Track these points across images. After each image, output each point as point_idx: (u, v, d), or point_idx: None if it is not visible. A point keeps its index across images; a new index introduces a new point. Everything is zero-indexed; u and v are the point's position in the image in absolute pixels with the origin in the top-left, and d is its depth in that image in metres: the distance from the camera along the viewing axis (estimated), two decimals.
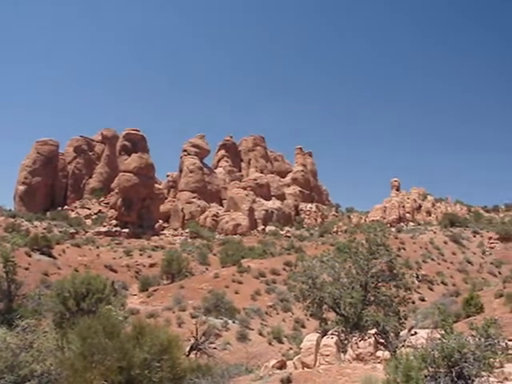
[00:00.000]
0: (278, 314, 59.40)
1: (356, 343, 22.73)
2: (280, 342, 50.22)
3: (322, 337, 23.48)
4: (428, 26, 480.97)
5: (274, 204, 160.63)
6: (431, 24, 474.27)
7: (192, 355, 35.15)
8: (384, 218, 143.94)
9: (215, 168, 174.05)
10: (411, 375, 14.96)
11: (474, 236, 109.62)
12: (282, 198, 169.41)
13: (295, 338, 49.25)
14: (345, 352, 22.74)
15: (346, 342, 23.16)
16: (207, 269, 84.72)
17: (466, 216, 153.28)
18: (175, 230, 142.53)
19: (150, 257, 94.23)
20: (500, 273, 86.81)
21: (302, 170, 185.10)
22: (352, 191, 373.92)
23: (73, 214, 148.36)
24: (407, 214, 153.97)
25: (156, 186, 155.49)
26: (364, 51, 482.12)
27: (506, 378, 17.23)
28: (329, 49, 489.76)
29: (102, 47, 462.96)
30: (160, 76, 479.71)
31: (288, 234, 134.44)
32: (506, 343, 18.52)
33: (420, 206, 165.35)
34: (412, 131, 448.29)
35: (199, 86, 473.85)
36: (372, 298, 24.69)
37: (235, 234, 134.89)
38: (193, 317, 48.89)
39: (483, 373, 16.92)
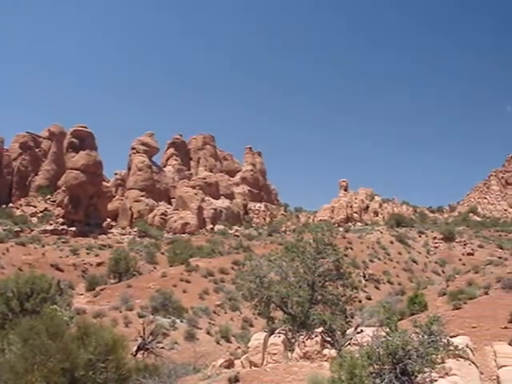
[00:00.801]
0: (226, 313, 59.35)
1: (303, 342, 22.87)
2: (228, 341, 50.20)
3: (270, 335, 23.56)
4: (363, 27, 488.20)
5: (222, 203, 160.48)
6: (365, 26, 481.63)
7: (139, 355, 34.83)
8: (332, 218, 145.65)
9: (164, 166, 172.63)
10: (355, 373, 15.17)
11: (420, 236, 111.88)
12: (230, 197, 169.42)
13: (243, 337, 49.30)
14: (292, 351, 22.87)
15: (293, 340, 23.28)
16: (155, 268, 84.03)
17: (411, 216, 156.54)
18: (123, 228, 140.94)
19: (97, 256, 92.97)
20: (443, 272, 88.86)
21: (251, 170, 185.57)
22: (301, 191, 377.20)
23: (18, 212, 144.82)
24: (355, 214, 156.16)
25: (104, 183, 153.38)
26: (309, 53, 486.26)
27: (447, 373, 17.61)
28: (278, 51, 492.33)
29: (49, 41, 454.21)
30: (109, 72, 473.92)
31: (237, 233, 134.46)
32: (448, 340, 18.98)
33: (367, 207, 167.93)
34: (361, 132, 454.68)
35: (149, 84, 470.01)
36: (319, 297, 24.89)
37: (184, 233, 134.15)
38: (140, 316, 48.39)
39: (426, 369, 17.32)
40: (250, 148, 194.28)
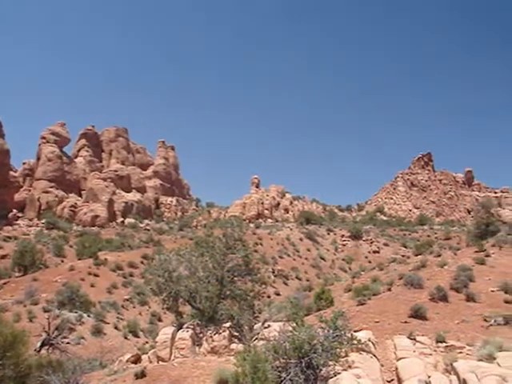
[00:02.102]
0: (134, 307, 58.66)
1: (211, 337, 23.00)
2: (136, 335, 49.68)
3: (178, 330, 23.53)
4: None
5: (134, 196, 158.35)
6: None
7: (43, 351, 33.91)
8: (243, 214, 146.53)
9: (75, 157, 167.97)
10: (259, 367, 15.38)
11: (328, 234, 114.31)
12: (142, 190, 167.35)
13: (151, 331, 48.94)
14: (200, 345, 22.94)
15: (201, 335, 23.35)
16: (63, 261, 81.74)
17: (321, 214, 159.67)
18: (30, 220, 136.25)
19: (1, 248, 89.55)
20: (350, 268, 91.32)
21: (164, 164, 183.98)
22: (213, 187, 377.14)
23: None
24: (266, 211, 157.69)
25: (11, 173, 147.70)
26: (221, 46, 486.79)
27: (350, 366, 18.21)
28: (193, 44, 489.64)
29: None
30: (20, 57, 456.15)
31: (147, 227, 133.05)
32: (352, 334, 19.61)
33: (278, 204, 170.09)
34: (274, 130, 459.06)
35: (62, 72, 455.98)
36: (228, 292, 25.07)
37: (93, 226, 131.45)
38: (45, 311, 46.99)
39: (330, 362, 17.84)
40: (163, 142, 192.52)
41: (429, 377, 18.80)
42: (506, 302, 33.62)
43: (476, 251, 47.95)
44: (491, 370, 17.71)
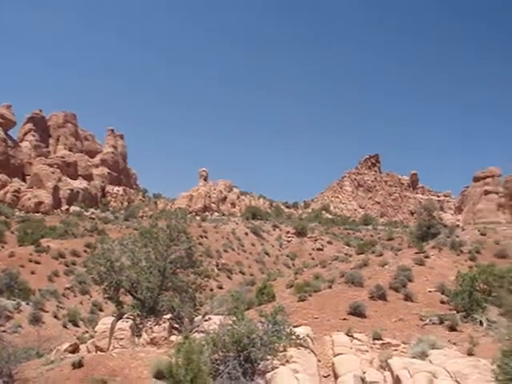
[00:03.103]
0: (75, 296, 57.93)
1: (151, 328, 22.94)
2: (76, 325, 49.04)
3: (118, 320, 23.37)
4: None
5: (80, 184, 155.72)
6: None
7: None
8: (190, 207, 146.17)
9: (20, 141, 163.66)
10: (192, 358, 15.43)
11: (274, 229, 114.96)
12: (89, 178, 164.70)
13: (92, 321, 48.38)
14: (139, 336, 22.85)
15: (141, 326, 23.26)
16: (3, 247, 79.85)
17: (267, 210, 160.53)
18: None
19: None
20: (294, 265, 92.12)
21: (112, 152, 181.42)
22: (161, 178, 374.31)
23: None
24: (213, 204, 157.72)
25: None
26: (167, 30, 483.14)
27: (288, 361, 18.45)
28: (143, 27, 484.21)
29: None
30: None
31: (92, 216, 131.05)
32: (291, 329, 19.89)
33: (226, 198, 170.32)
34: (224, 124, 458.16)
35: (9, 53, 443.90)
36: (169, 284, 25.01)
37: (37, 212, 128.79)
38: None
39: (268, 356, 18.07)
40: (112, 130, 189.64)
41: (364, 373, 19.24)
42: (442, 302, 34.61)
43: (416, 252, 49.04)
44: (423, 367, 18.26)
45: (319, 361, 20.98)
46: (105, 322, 23.44)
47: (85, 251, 74.08)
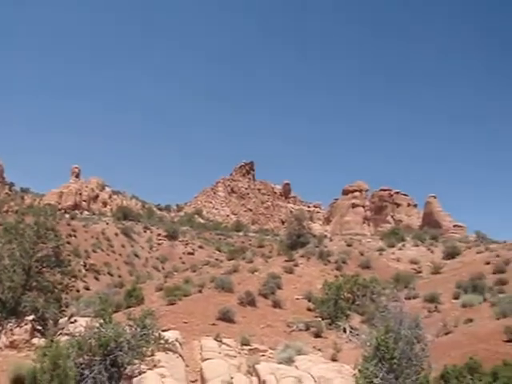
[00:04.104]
0: None
1: (11, 330, 21.75)
2: None
3: None
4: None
5: None
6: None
7: None
8: (59, 204, 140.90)
9: None
10: (59, 363, 14.75)
11: (145, 231, 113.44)
12: None
13: None
14: None
15: (0, 328, 21.98)
16: None
17: (139, 211, 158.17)
18: None
19: None
20: (163, 268, 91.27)
21: None
22: (31, 171, 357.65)
23: None
24: (83, 203, 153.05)
25: None
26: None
27: (155, 366, 18.16)
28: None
29: None
30: None
31: None
32: (159, 333, 19.58)
33: (97, 196, 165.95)
34: (97, 120, 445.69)
35: None
36: (34, 283, 23.74)
37: None
38: None
39: (136, 361, 17.64)
40: None
41: (232, 378, 19.30)
42: (309, 309, 35.65)
43: (286, 260, 50.23)
44: (289, 373, 18.61)
45: (187, 365, 20.84)
46: None
47: None
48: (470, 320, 28.71)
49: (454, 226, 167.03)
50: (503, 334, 22.59)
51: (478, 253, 60.47)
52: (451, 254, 63.07)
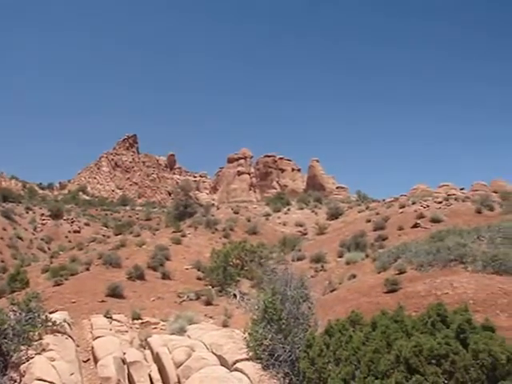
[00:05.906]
0: None
1: None
2: None
3: None
4: None
5: None
6: None
7: None
8: None
9: None
10: None
11: (27, 212, 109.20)
12: None
13: None
14: None
15: None
16: None
17: (20, 192, 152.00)
18: None
19: None
20: (49, 248, 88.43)
21: None
22: None
23: None
24: None
25: None
26: None
27: (44, 349, 17.77)
28: None
29: None
30: None
31: None
32: (46, 316, 19.15)
33: None
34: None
35: None
36: None
37: None
38: None
39: (22, 347, 17.19)
40: None
41: (124, 353, 19.26)
42: (198, 278, 36.03)
43: (174, 231, 50.27)
44: (181, 343, 18.85)
45: (78, 346, 20.55)
46: None
47: None
48: (354, 276, 30.12)
49: (337, 187, 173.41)
50: (383, 286, 23.84)
51: (359, 212, 63.24)
52: (334, 215, 65.65)
